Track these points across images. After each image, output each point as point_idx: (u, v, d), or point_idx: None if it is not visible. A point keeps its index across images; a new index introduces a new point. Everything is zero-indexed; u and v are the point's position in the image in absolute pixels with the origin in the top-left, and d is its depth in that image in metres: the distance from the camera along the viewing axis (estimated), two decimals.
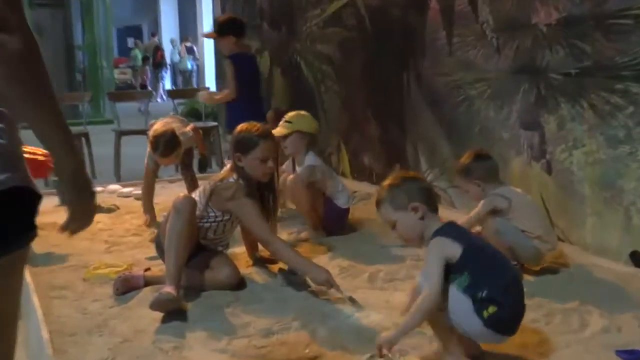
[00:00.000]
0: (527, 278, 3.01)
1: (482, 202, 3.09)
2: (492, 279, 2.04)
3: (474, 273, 2.02)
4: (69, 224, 1.39)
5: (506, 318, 2.03)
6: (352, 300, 2.79)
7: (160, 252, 3.12)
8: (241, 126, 3.18)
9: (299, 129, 3.89)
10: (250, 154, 3.08)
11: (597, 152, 3.37)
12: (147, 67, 20.18)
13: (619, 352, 2.26)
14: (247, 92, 4.78)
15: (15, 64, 1.17)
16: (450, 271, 2.05)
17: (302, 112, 4.01)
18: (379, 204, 2.22)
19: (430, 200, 2.17)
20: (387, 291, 2.98)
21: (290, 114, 4.00)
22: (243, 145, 3.10)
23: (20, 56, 1.17)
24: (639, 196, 3.20)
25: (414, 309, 2.04)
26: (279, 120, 4.04)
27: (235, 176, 3.11)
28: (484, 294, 2.00)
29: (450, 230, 2.12)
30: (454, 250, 2.05)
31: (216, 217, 3.11)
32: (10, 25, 1.16)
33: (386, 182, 2.23)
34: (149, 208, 4.22)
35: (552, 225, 3.49)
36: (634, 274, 3.09)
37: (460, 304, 2.03)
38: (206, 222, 3.10)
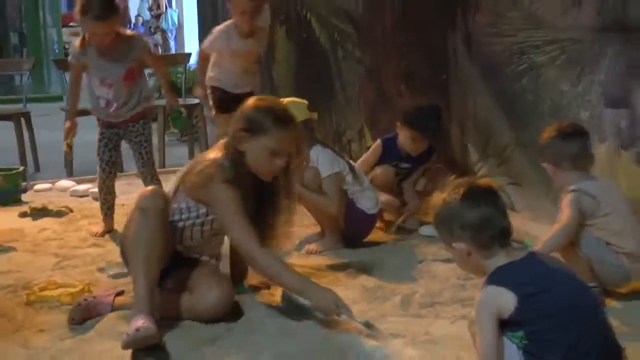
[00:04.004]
0: (611, 303, 3.03)
1: (564, 203, 3.06)
2: (553, 349, 2.06)
3: (530, 335, 2.09)
4: None
5: None
6: (369, 326, 2.81)
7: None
8: (257, 99, 3.12)
9: None
10: (259, 138, 2.97)
11: None
12: None
13: None
14: None
15: None
16: (504, 325, 2.12)
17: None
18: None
19: (484, 235, 2.18)
20: (426, 319, 3.00)
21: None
22: (252, 125, 2.99)
23: None
24: None
25: None
26: None
27: (222, 155, 2.98)
28: None
29: (505, 275, 2.16)
30: (507, 302, 2.10)
31: (190, 210, 3.01)
32: None
33: (433, 201, 2.29)
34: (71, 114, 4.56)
35: None
36: None
37: None
38: (179, 219, 3.01)
